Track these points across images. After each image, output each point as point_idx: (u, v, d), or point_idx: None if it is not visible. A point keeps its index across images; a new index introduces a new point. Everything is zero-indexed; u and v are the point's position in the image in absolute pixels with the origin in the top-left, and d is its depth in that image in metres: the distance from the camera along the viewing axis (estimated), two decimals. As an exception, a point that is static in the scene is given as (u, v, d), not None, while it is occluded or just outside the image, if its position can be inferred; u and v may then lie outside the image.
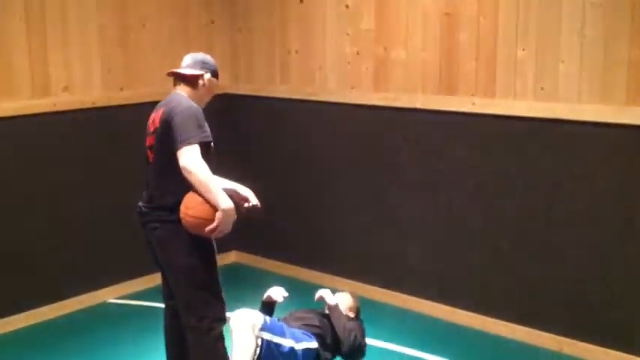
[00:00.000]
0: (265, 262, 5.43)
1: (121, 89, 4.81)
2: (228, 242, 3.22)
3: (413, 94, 4.42)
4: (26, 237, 4.42)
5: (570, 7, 3.76)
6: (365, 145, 4.73)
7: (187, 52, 3.42)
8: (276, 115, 5.23)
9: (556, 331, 4.03)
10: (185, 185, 3.01)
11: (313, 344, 3.70)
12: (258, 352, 3.48)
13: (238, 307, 3.56)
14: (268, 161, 5.32)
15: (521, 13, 3.94)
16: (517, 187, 4.09)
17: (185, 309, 3.21)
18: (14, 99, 4.30)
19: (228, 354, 3.32)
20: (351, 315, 3.96)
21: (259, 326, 3.49)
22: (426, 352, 4.05)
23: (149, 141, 3.24)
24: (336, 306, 3.87)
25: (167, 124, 3.09)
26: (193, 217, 3.03)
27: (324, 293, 4.00)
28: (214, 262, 3.22)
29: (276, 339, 3.54)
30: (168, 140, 3.06)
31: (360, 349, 3.88)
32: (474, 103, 4.17)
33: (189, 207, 3.03)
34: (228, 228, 3.05)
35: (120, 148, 4.79)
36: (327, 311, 4.01)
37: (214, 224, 3.00)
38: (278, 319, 3.77)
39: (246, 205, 3.38)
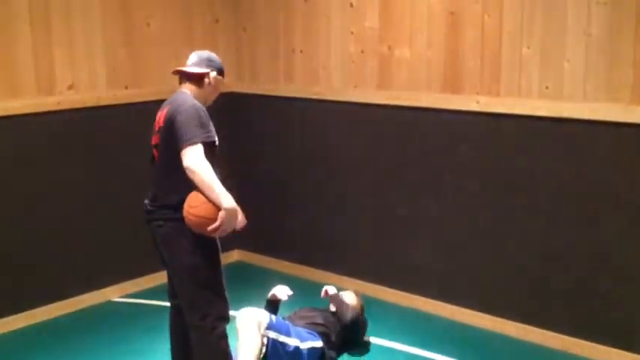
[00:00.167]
0: (268, 261, 5.44)
1: (126, 88, 4.82)
2: (231, 241, 3.22)
3: (417, 93, 4.42)
4: (29, 235, 4.43)
5: (575, 5, 3.76)
6: (369, 143, 4.72)
7: (192, 50, 3.41)
8: (280, 114, 5.23)
9: (560, 330, 4.03)
10: (189, 184, 3.01)
11: (318, 343, 3.71)
12: (264, 350, 3.49)
13: (241, 306, 3.57)
14: (272, 160, 5.33)
15: (526, 11, 3.93)
16: (522, 186, 4.08)
17: (188, 307, 3.21)
18: (19, 97, 4.31)
19: (233, 353, 3.33)
20: (355, 313, 4.00)
21: (265, 325, 3.50)
22: (430, 350, 4.04)
23: (154, 139, 3.25)
24: (337, 294, 4.02)
25: (171, 123, 3.10)
26: (196, 216, 3.03)
27: (328, 287, 4.06)
28: (218, 261, 3.22)
29: (282, 338, 3.54)
30: (173, 139, 3.07)
31: (363, 323, 3.99)
32: (478, 102, 4.16)
33: (193, 206, 3.04)
34: (231, 227, 3.06)
35: (125, 147, 4.79)
36: (331, 308, 4.04)
37: (217, 223, 3.00)
38: (283, 318, 3.78)
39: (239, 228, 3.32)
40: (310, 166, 5.09)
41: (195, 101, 3.18)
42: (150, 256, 4.53)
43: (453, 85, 4.28)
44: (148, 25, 4.90)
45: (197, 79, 3.29)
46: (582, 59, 3.76)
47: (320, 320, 3.91)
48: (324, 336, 3.79)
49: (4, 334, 4.33)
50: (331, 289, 4.11)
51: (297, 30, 5.02)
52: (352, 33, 4.70)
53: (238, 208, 3.07)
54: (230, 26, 5.39)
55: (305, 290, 4.47)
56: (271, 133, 5.30)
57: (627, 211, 3.74)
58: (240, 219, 3.21)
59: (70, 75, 4.53)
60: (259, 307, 3.70)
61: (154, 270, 4.89)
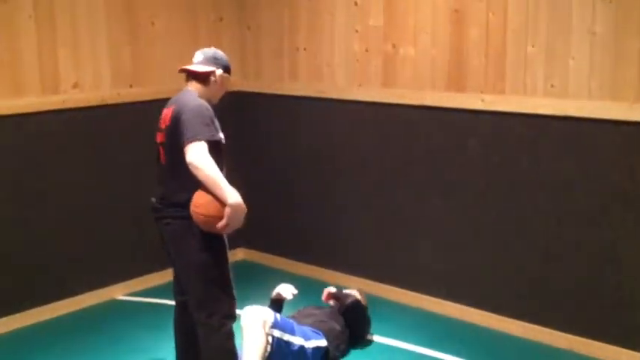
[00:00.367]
0: (273, 260, 5.44)
1: (130, 86, 4.82)
2: (236, 239, 3.22)
3: (422, 92, 4.42)
4: (33, 234, 4.43)
5: (580, 3, 3.75)
6: (374, 142, 4.72)
7: (196, 49, 3.41)
8: (284, 113, 5.22)
9: (567, 330, 4.02)
10: (197, 181, 3.02)
11: (323, 342, 3.71)
12: (268, 349, 3.49)
13: (246, 305, 3.57)
14: (276, 158, 5.33)
15: (530, 9, 3.92)
16: (527, 185, 4.07)
17: (196, 305, 3.22)
18: (24, 96, 4.31)
19: (238, 351, 3.33)
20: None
21: (270, 323, 3.50)
22: (436, 350, 4.04)
23: (160, 137, 3.25)
24: (338, 290, 4.11)
25: (177, 121, 3.10)
26: (203, 215, 3.04)
27: (329, 288, 4.10)
28: (226, 258, 3.23)
29: (287, 337, 3.55)
30: (178, 138, 3.07)
31: (362, 311, 4.07)
32: (483, 100, 4.16)
33: (198, 205, 3.04)
34: (238, 223, 3.05)
35: (129, 146, 4.80)
36: (332, 303, 4.07)
37: (224, 221, 3.00)
38: (287, 317, 3.78)
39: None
40: (315, 164, 5.09)
41: (201, 100, 3.18)
42: (154, 254, 4.55)
43: (457, 84, 4.27)
44: (153, 23, 4.90)
45: (203, 78, 3.29)
46: (587, 57, 3.76)
47: (324, 318, 3.92)
48: (329, 333, 3.80)
49: (9, 333, 4.33)
50: (332, 289, 4.15)
51: (301, 28, 5.02)
52: (357, 31, 4.69)
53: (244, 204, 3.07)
54: (234, 25, 5.39)
55: (309, 289, 4.47)
56: (275, 132, 5.30)
57: (633, 209, 3.73)
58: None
59: (75, 74, 4.54)
60: (264, 305, 3.70)
61: (158, 268, 4.91)
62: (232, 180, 3.07)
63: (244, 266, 5.42)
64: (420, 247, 4.59)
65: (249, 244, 5.53)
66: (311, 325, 3.79)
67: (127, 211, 4.81)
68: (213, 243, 3.15)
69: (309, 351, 3.62)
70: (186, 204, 3.08)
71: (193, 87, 3.29)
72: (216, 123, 3.16)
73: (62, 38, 4.45)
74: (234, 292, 3.26)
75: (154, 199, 3.28)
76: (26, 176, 4.37)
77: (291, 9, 5.05)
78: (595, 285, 3.90)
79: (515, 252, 4.17)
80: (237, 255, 5.46)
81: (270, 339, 3.51)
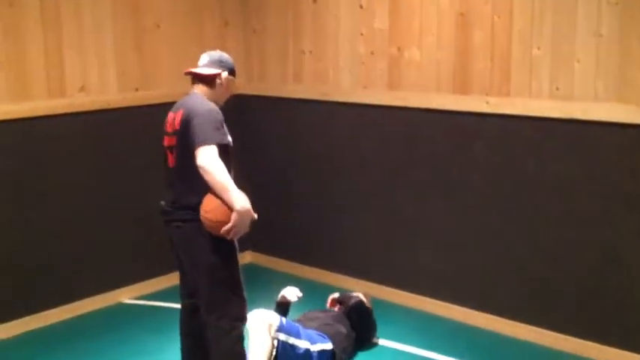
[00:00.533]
0: (280, 263, 5.44)
1: (136, 90, 4.83)
2: (243, 243, 3.23)
3: (427, 94, 4.41)
4: (39, 237, 4.44)
5: (586, 5, 3.74)
6: (379, 145, 4.72)
7: (202, 52, 3.41)
8: (289, 116, 5.23)
9: (570, 333, 4.01)
10: (207, 185, 3.04)
11: (328, 346, 3.71)
12: (274, 353, 3.49)
13: (253, 308, 3.57)
14: (281, 161, 5.33)
15: (536, 12, 3.92)
16: (531, 187, 4.07)
17: (206, 307, 3.23)
18: (30, 100, 4.33)
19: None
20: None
21: (276, 327, 3.50)
22: (440, 353, 4.03)
23: (168, 141, 3.26)
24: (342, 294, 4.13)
25: (187, 125, 3.11)
26: (210, 220, 3.06)
27: (333, 294, 4.11)
28: (236, 261, 3.24)
29: (292, 340, 3.55)
30: (189, 142, 3.08)
31: (366, 312, 4.07)
32: (488, 103, 4.15)
33: (208, 210, 3.06)
34: (245, 229, 3.08)
35: (135, 149, 4.81)
36: (336, 308, 4.07)
37: (229, 225, 3.02)
38: (293, 320, 3.78)
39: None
40: (320, 167, 5.09)
41: (211, 103, 3.19)
42: (160, 257, 4.57)
43: (462, 86, 4.27)
44: (158, 27, 4.91)
45: (209, 80, 3.30)
46: (593, 60, 3.75)
47: (330, 321, 3.92)
48: (335, 336, 3.80)
49: (15, 336, 4.34)
50: (335, 295, 4.16)
51: (306, 31, 5.02)
52: (362, 34, 4.69)
53: (252, 210, 3.09)
54: (239, 28, 5.40)
55: (315, 292, 4.47)
56: (281, 135, 5.30)
57: (638, 212, 3.72)
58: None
59: (81, 77, 4.55)
60: (270, 309, 3.70)
61: (163, 271, 4.92)
62: (237, 182, 3.08)
63: (250, 269, 5.41)
64: (424, 250, 4.59)
65: (256, 248, 5.54)
66: (317, 329, 3.79)
67: (132, 215, 4.82)
68: (223, 245, 3.16)
69: (315, 354, 3.62)
70: (196, 207, 3.09)
71: (199, 90, 3.30)
72: (225, 126, 3.17)
73: (68, 42, 4.47)
74: (245, 294, 3.27)
75: (163, 203, 3.29)
76: (32, 180, 4.38)
77: (296, 12, 5.05)
78: (599, 287, 3.89)
79: (518, 254, 4.17)
80: (243, 258, 5.46)
81: (275, 342, 3.51)
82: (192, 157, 3.05)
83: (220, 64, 3.33)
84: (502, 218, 4.21)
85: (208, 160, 3.00)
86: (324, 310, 4.12)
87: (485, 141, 4.22)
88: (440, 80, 4.36)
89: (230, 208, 3.01)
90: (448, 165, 4.40)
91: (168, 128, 3.25)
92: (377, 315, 4.22)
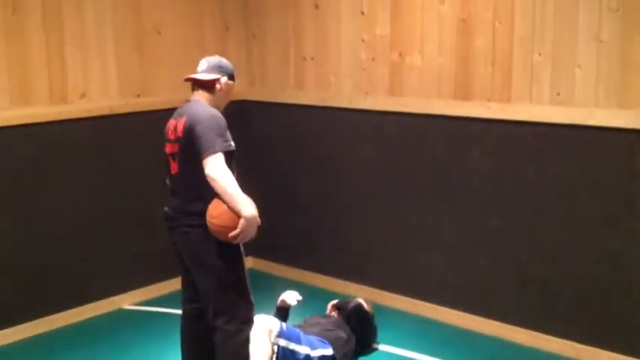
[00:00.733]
0: (281, 269, 5.44)
1: (138, 96, 4.84)
2: (245, 248, 3.25)
3: (428, 100, 4.42)
4: (41, 243, 4.44)
5: (587, 11, 3.74)
6: (380, 151, 4.72)
7: (203, 58, 3.43)
8: (290, 122, 5.23)
9: (573, 338, 4.00)
10: (213, 191, 3.06)
11: (329, 351, 3.70)
12: (274, 358, 3.49)
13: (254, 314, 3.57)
14: (283, 167, 5.33)
15: (537, 18, 3.92)
16: (533, 193, 4.06)
17: (214, 311, 3.24)
18: (32, 106, 4.34)
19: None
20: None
21: (276, 333, 3.50)
22: (441, 358, 4.03)
23: (171, 148, 3.26)
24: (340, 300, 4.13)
25: (191, 132, 3.13)
26: (218, 225, 3.09)
27: (332, 301, 4.11)
28: (242, 264, 3.28)
29: (292, 346, 3.54)
30: (193, 149, 3.10)
31: (366, 316, 4.06)
32: (489, 109, 4.15)
33: (214, 216, 3.09)
34: (251, 235, 3.11)
35: (137, 155, 4.81)
36: (336, 315, 4.07)
37: (237, 231, 3.05)
38: (294, 326, 3.78)
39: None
40: (321, 173, 5.09)
41: (213, 109, 3.21)
42: (161, 263, 4.57)
43: (464, 92, 4.27)
44: (159, 32, 4.92)
45: (209, 86, 3.31)
46: (594, 65, 3.75)
47: (331, 326, 3.91)
48: (336, 341, 3.79)
49: (17, 342, 4.34)
50: (334, 301, 4.16)
51: (307, 37, 5.03)
52: (363, 40, 4.70)
53: (258, 218, 3.11)
54: (240, 33, 5.41)
55: (317, 298, 4.47)
56: (282, 141, 5.31)
57: (638, 216, 3.71)
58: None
59: (83, 84, 4.56)
60: (270, 314, 3.70)
61: (165, 278, 4.92)
62: (239, 187, 3.09)
63: (252, 275, 5.36)
64: (426, 256, 4.58)
65: (258, 253, 5.53)
66: (317, 334, 3.78)
67: (134, 221, 4.82)
68: (228, 249, 3.19)
69: (315, 360, 3.62)
70: (202, 213, 3.11)
71: (200, 96, 3.31)
72: (228, 132, 3.18)
73: (70, 48, 4.48)
74: (252, 297, 3.27)
75: (167, 209, 3.30)
76: (33, 186, 4.39)
77: (298, 18, 5.06)
78: (602, 293, 3.88)
79: (520, 259, 4.16)
80: (247, 263, 5.45)
81: (275, 348, 3.50)
82: (196, 164, 3.07)
83: (219, 69, 3.34)
84: (503, 224, 4.20)
85: (216, 169, 3.03)
86: (325, 316, 4.12)
87: (487, 146, 4.22)
88: (441, 86, 4.36)
89: (237, 214, 3.02)
90: (449, 170, 4.40)
91: (170, 135, 3.26)
92: (379, 321, 4.21)
